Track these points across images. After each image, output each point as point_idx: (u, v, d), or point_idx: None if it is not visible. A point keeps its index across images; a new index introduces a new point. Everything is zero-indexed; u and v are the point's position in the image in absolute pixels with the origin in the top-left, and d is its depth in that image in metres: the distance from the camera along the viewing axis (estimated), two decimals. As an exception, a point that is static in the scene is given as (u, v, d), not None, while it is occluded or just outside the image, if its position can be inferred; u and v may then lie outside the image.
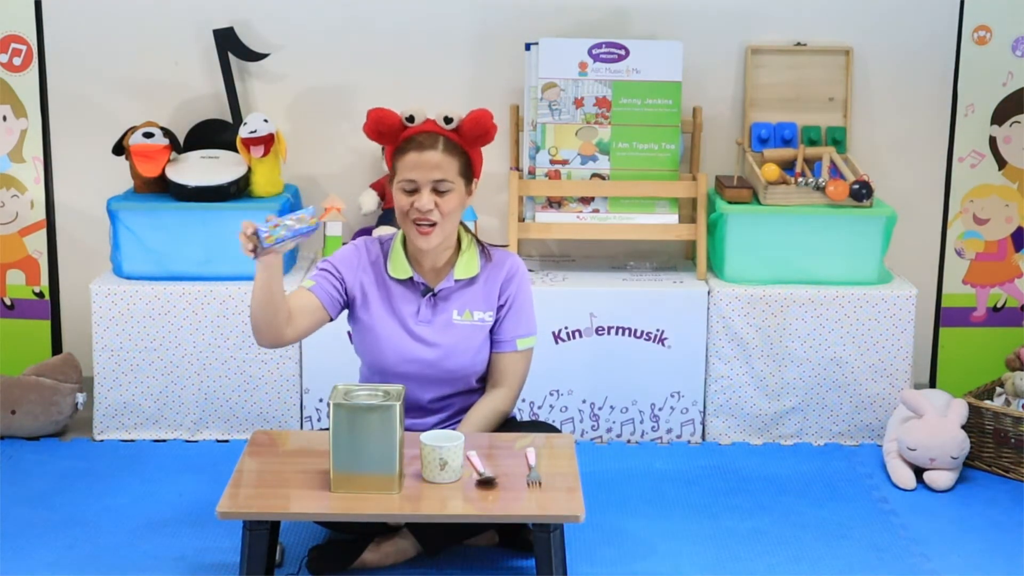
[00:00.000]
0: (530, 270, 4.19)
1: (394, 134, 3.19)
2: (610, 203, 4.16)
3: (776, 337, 4.01)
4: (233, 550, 3.22)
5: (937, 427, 3.71)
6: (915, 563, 3.28)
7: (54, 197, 4.33)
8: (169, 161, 4.09)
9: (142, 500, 3.59)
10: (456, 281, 3.25)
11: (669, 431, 4.07)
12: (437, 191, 3.14)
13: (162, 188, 4.10)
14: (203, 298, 3.98)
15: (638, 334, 4.01)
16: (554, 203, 4.16)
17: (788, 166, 4.15)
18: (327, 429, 2.88)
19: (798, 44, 4.29)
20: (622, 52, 4.13)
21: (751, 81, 4.28)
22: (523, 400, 3.99)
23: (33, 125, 4.27)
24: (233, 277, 4.01)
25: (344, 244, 4.11)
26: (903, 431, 3.76)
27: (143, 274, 4.03)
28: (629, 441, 4.07)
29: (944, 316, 4.34)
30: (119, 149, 4.14)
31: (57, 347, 4.35)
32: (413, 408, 3.26)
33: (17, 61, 4.23)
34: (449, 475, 2.89)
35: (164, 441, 4.03)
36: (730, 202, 4.07)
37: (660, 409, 4.05)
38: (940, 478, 3.71)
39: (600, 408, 4.05)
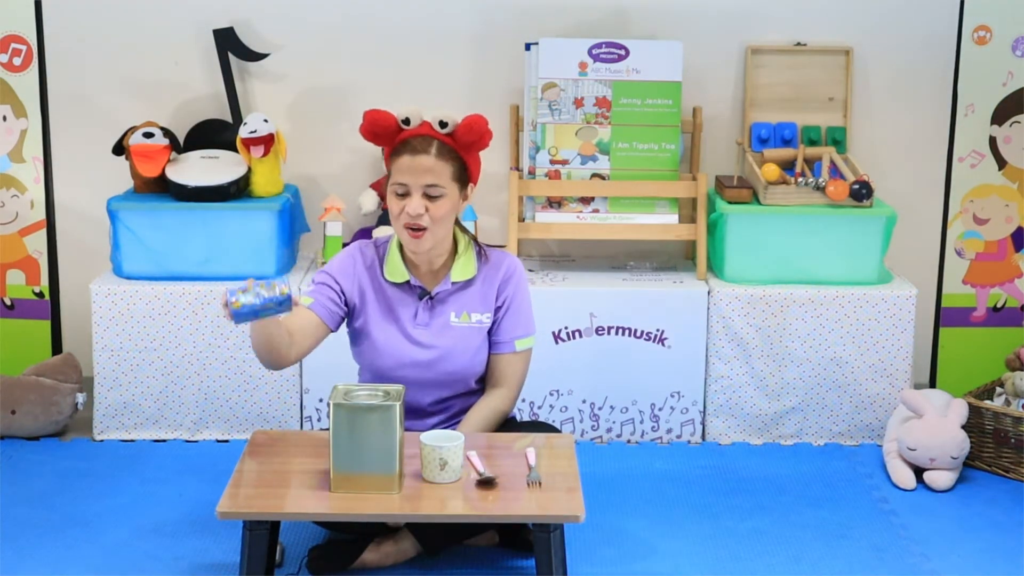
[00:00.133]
0: (530, 270, 4.19)
1: (390, 136, 3.18)
2: (610, 203, 4.16)
3: (776, 337, 4.01)
4: (233, 550, 3.22)
5: (937, 427, 3.71)
6: (915, 563, 3.28)
7: (54, 197, 4.33)
8: (169, 161, 4.09)
9: (142, 500, 3.59)
10: (453, 284, 3.24)
11: (669, 431, 4.07)
12: (428, 196, 3.12)
13: (162, 188, 4.10)
14: (203, 298, 3.98)
15: (638, 334, 4.01)
16: (554, 203, 4.16)
17: (788, 166, 4.15)
18: (327, 429, 2.88)
19: (798, 44, 4.29)
20: (622, 52, 4.13)
21: (751, 81, 4.28)
22: (523, 400, 3.99)
23: (33, 125, 4.27)
24: (233, 277, 4.01)
25: (344, 244, 4.13)
26: (903, 431, 3.76)
27: (143, 274, 4.03)
28: (629, 441, 4.07)
29: (944, 316, 4.34)
30: (119, 149, 4.14)
31: (57, 347, 4.35)
32: (413, 411, 3.25)
33: (17, 61, 4.23)
34: (449, 475, 2.89)
35: (164, 441, 4.03)
36: (730, 202, 4.07)
37: (660, 409, 4.05)
38: (940, 478, 3.71)
39: (600, 408, 4.05)
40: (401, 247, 3.25)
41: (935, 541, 3.40)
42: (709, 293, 4.02)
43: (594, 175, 4.16)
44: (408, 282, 3.24)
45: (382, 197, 4.24)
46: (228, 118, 4.26)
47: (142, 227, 4.02)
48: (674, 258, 4.41)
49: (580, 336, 4.01)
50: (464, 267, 3.25)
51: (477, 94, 4.31)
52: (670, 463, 3.89)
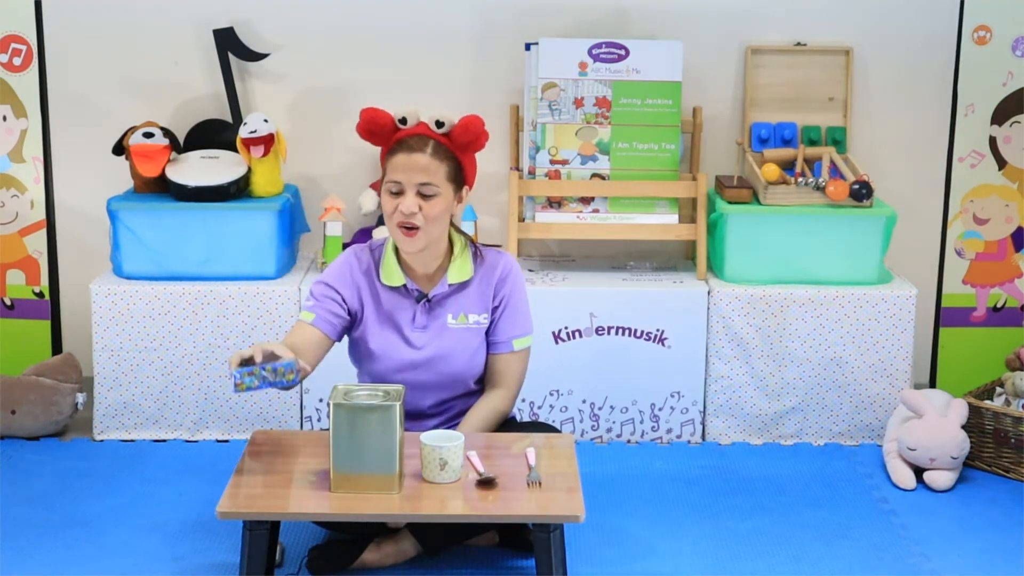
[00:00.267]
0: (530, 270, 4.19)
1: (386, 135, 3.17)
2: (610, 203, 4.16)
3: (776, 337, 4.01)
4: (233, 550, 3.22)
5: (937, 427, 3.71)
6: (915, 563, 3.28)
7: (54, 197, 4.33)
8: (169, 161, 4.09)
9: (142, 500, 3.59)
10: (450, 285, 3.23)
11: (669, 431, 4.07)
12: (422, 195, 3.11)
13: (162, 188, 4.10)
14: (203, 298, 3.98)
15: (638, 334, 4.01)
16: (554, 203, 4.16)
17: (788, 166, 4.15)
18: (327, 429, 2.88)
19: (798, 44, 4.29)
20: (622, 52, 4.13)
21: (751, 81, 4.28)
22: (523, 400, 3.99)
23: (33, 125, 4.27)
24: (233, 277, 4.02)
25: (344, 245, 4.14)
26: (903, 431, 3.76)
27: (143, 274, 4.03)
28: (629, 441, 4.07)
29: (944, 316, 4.34)
30: (119, 149, 4.14)
31: (57, 347, 4.35)
32: (413, 414, 3.25)
33: (17, 61, 4.23)
34: (449, 475, 2.89)
35: (164, 441, 4.03)
36: (730, 202, 4.07)
37: (660, 409, 4.05)
38: (940, 478, 3.71)
39: (600, 408, 4.05)
40: (397, 250, 3.24)
41: (935, 541, 3.40)
42: (709, 293, 4.02)
43: (594, 175, 4.16)
44: (405, 285, 3.23)
45: (382, 197, 4.24)
46: (228, 118, 4.26)
47: (142, 227, 4.02)
48: (674, 258, 4.41)
49: (580, 336, 4.01)
50: (460, 268, 3.24)
51: (477, 94, 4.31)
52: (670, 463, 3.89)
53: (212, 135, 4.26)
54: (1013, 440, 3.78)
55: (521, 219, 4.16)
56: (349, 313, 3.23)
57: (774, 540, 3.40)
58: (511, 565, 3.23)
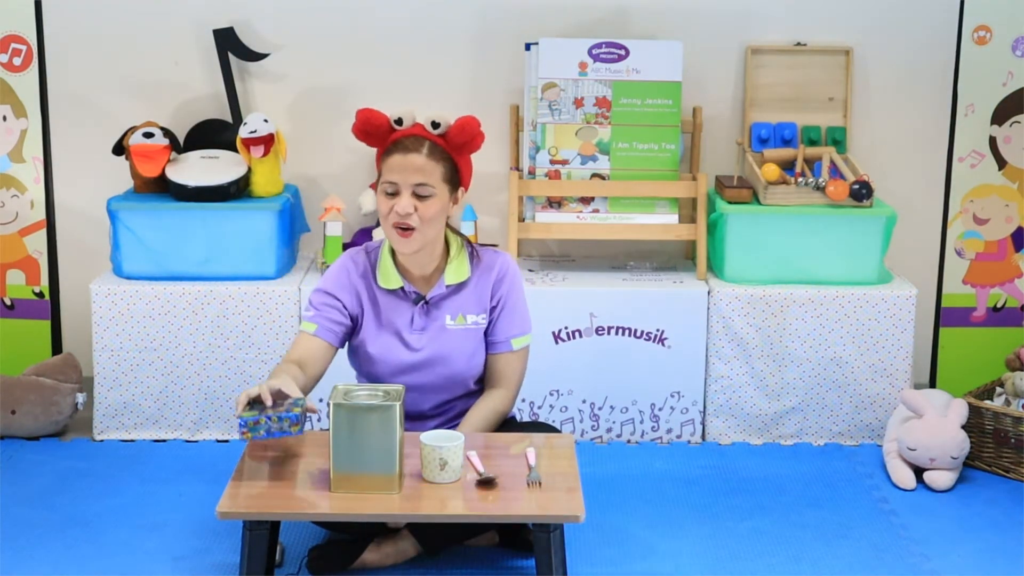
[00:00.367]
0: (530, 270, 4.19)
1: (382, 136, 3.16)
2: (610, 203, 4.16)
3: (776, 337, 4.01)
4: (233, 550, 3.22)
5: (937, 427, 3.71)
6: (915, 563, 3.28)
7: (54, 197, 4.33)
8: (169, 161, 4.09)
9: (142, 500, 3.59)
10: (447, 287, 3.23)
11: (669, 431, 4.07)
12: (418, 195, 3.10)
13: (162, 188, 4.10)
14: (203, 298, 3.98)
15: (638, 334, 4.01)
16: (554, 203, 4.16)
17: (788, 166, 4.15)
18: (327, 429, 2.88)
19: (798, 44, 4.29)
20: (622, 52, 4.13)
21: (751, 81, 4.28)
22: (523, 400, 3.99)
23: (33, 125, 4.27)
24: (233, 277, 4.02)
25: (344, 245, 4.14)
26: (903, 431, 3.76)
27: (143, 274, 4.03)
28: (629, 441, 4.07)
29: (944, 316, 4.34)
30: (119, 149, 4.14)
31: (57, 347, 4.35)
32: (414, 416, 3.25)
33: (17, 61, 4.23)
34: (449, 475, 2.89)
35: (164, 441, 4.03)
36: (730, 202, 4.07)
37: (660, 409, 4.05)
38: (940, 478, 3.71)
39: (600, 408, 4.05)
40: (393, 253, 3.23)
41: (935, 541, 3.40)
42: (709, 293, 4.02)
43: (594, 175, 4.16)
44: (402, 288, 3.23)
45: (382, 197, 4.24)
46: (228, 118, 4.26)
47: (142, 227, 4.02)
48: (674, 258, 4.41)
49: (580, 336, 4.01)
50: (457, 270, 3.23)
51: (477, 94, 4.31)
52: (670, 463, 3.89)
53: (212, 135, 4.26)
54: (1013, 440, 3.78)
55: (521, 219, 4.16)
56: (351, 318, 3.22)
57: (774, 540, 3.40)
58: (511, 565, 3.23)
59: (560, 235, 4.17)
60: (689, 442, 4.07)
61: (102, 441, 4.03)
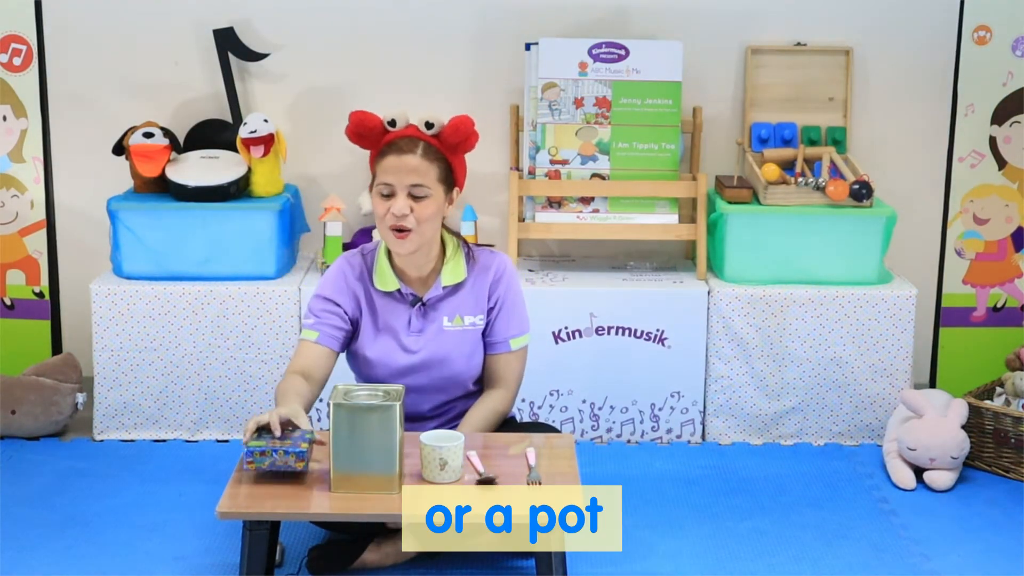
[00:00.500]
0: (530, 270, 4.19)
1: (375, 137, 3.15)
2: (610, 203, 4.16)
3: (776, 337, 4.01)
4: (233, 550, 3.22)
5: (937, 427, 3.71)
6: (915, 563, 3.28)
7: (54, 197, 4.33)
8: (169, 161, 4.09)
9: (142, 500, 3.59)
10: (444, 288, 3.22)
11: (669, 431, 4.07)
12: (413, 196, 3.09)
13: (162, 188, 4.10)
14: (203, 298, 3.98)
15: (638, 334, 4.01)
16: (554, 203, 4.16)
17: (788, 166, 4.15)
18: (327, 429, 2.88)
19: (798, 44, 4.29)
20: (622, 52, 4.13)
21: (751, 81, 4.28)
22: (523, 400, 3.99)
23: (33, 125, 4.27)
24: (233, 277, 4.02)
25: (344, 245, 4.14)
26: (903, 431, 3.76)
27: (143, 274, 4.03)
28: (629, 441, 4.07)
29: (944, 316, 4.34)
30: (119, 149, 4.14)
31: (57, 347, 4.35)
32: (413, 417, 3.24)
33: (17, 61, 4.23)
34: (449, 475, 2.89)
35: (164, 441, 4.03)
36: (730, 202, 4.07)
37: (660, 409, 4.05)
38: (940, 478, 3.71)
39: (600, 408, 4.05)
40: (390, 255, 3.23)
41: (935, 541, 3.40)
42: (709, 293, 4.02)
43: (594, 175, 4.16)
44: (399, 290, 3.22)
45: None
46: (228, 118, 4.26)
47: (142, 227, 4.02)
48: (674, 258, 4.41)
49: (580, 336, 4.01)
50: (454, 270, 3.23)
51: (477, 94, 4.31)
52: (670, 463, 3.89)
53: (212, 135, 4.26)
54: (1013, 440, 3.78)
55: (521, 219, 4.16)
56: (351, 323, 3.22)
57: (774, 540, 3.40)
58: (511, 565, 3.23)
59: (560, 235, 4.17)
60: (689, 442, 4.07)
61: (102, 441, 4.03)
